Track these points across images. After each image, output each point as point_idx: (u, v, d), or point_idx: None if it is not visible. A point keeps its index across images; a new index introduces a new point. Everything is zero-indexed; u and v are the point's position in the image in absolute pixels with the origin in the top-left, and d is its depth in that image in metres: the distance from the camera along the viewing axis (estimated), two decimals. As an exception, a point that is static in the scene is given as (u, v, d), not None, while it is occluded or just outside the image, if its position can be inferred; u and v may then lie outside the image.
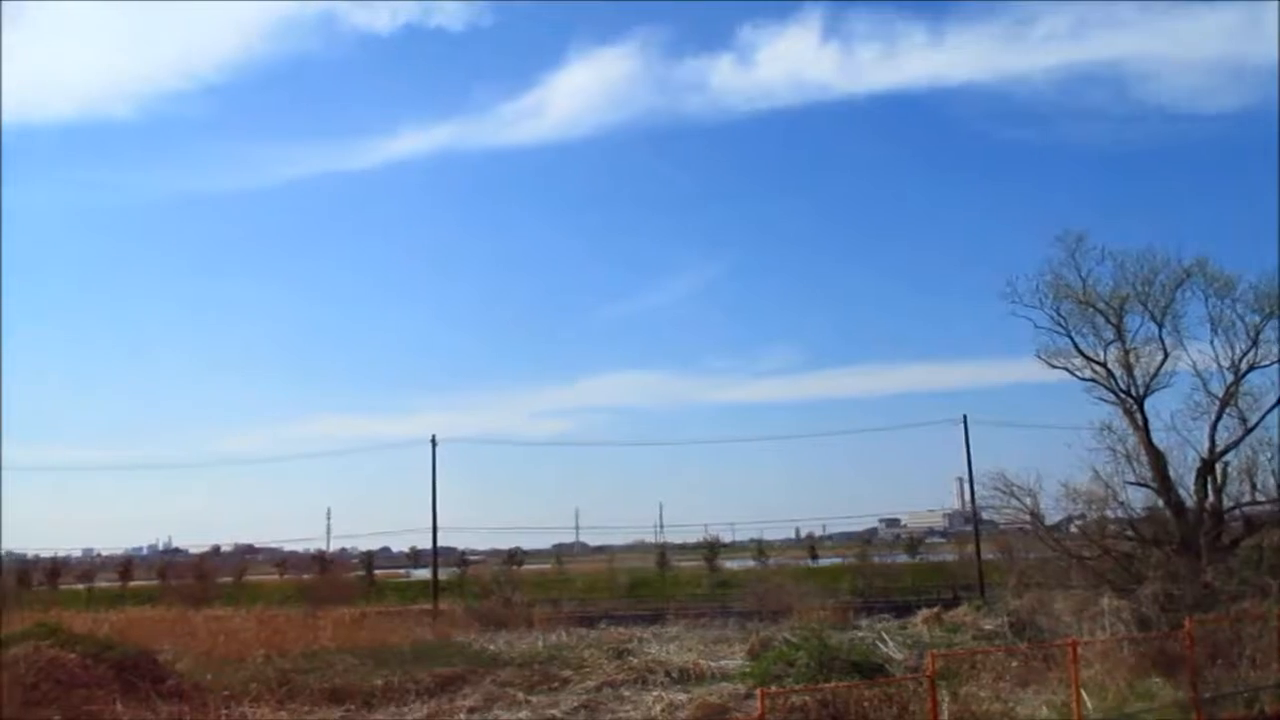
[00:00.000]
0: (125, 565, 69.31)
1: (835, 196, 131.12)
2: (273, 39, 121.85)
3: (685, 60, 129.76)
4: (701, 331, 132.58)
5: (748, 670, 21.71)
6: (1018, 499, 24.07)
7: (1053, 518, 25.24)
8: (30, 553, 73.13)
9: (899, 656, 23.23)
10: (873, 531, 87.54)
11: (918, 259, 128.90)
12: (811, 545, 71.93)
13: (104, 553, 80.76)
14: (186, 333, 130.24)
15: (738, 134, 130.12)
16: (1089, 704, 15.01)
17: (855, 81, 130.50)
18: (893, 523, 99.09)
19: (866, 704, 12.86)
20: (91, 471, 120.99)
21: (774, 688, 15.25)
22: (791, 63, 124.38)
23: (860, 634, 27.67)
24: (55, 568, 67.25)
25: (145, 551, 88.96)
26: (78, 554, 78.72)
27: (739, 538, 69.98)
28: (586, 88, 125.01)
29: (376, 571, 65.34)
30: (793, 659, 19.12)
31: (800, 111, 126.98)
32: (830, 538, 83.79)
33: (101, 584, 66.12)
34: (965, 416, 47.46)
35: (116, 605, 46.33)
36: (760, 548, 63.54)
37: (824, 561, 62.32)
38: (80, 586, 64.75)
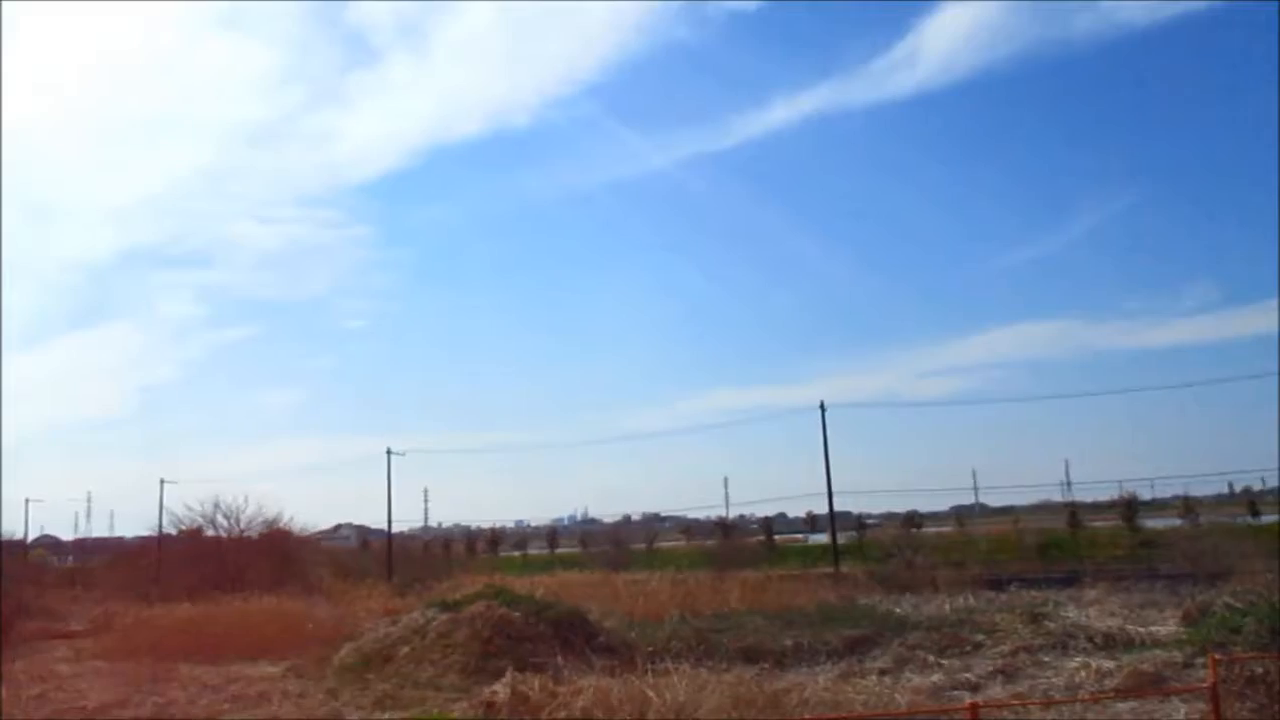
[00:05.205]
0: (551, 534, 76.84)
1: (1260, 101, 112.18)
2: (645, 33, 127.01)
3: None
4: (1108, 273, 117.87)
5: (1183, 637, 19.86)
6: None
7: None
8: (474, 525, 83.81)
9: (1377, 624, 20.21)
10: (1329, 483, 76.34)
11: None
12: (1250, 500, 63.86)
13: (533, 523, 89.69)
14: (589, 320, 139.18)
15: (1136, 49, 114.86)
16: None
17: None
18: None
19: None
20: (520, 451, 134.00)
21: (1218, 655, 13.82)
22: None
23: (1322, 598, 24.37)
24: (494, 537, 76.15)
25: (566, 522, 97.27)
26: (511, 525, 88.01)
27: (1159, 494, 64.04)
28: (962, 28, 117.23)
29: (775, 536, 66.99)
30: (1238, 625, 17.24)
31: (1211, 12, 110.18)
32: (1272, 492, 74.13)
33: (532, 551, 73.53)
34: None
35: (547, 570, 51.34)
36: (1187, 504, 57.68)
37: (1267, 519, 55.27)
38: (516, 553, 72.64)
